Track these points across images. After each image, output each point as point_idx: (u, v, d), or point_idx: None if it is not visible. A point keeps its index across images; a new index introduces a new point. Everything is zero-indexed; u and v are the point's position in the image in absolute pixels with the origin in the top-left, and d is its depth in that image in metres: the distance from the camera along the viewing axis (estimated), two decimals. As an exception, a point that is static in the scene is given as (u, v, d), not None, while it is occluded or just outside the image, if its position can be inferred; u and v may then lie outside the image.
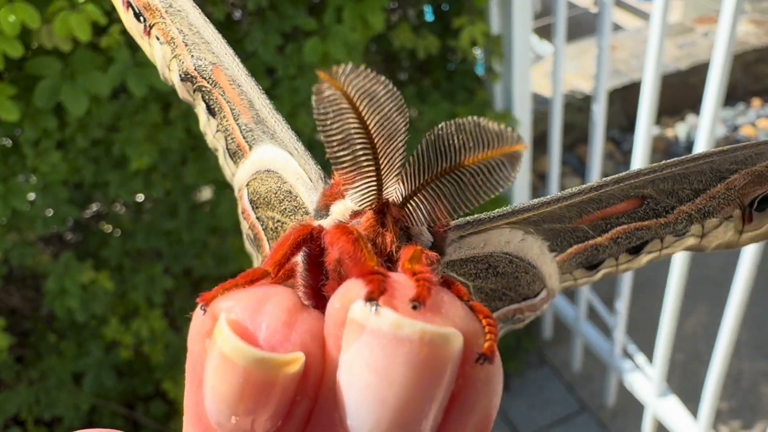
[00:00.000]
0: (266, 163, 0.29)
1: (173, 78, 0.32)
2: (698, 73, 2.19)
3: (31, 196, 0.96)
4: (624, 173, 0.26)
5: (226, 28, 1.02)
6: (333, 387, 0.17)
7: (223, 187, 1.12)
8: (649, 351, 1.31)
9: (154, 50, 0.32)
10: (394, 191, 0.20)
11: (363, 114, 0.17)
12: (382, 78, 0.17)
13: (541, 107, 1.85)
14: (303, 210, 0.27)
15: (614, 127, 2.19)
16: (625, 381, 1.38)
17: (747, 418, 1.48)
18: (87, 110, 0.85)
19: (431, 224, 0.20)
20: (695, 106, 2.17)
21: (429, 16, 1.23)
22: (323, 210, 0.22)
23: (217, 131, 0.32)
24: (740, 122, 2.29)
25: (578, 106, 2.00)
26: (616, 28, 2.71)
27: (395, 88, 0.17)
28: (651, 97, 1.04)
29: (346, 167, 0.19)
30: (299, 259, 0.21)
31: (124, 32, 0.89)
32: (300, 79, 0.99)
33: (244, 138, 0.30)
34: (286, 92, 0.99)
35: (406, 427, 0.16)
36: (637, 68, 2.14)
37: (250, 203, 0.30)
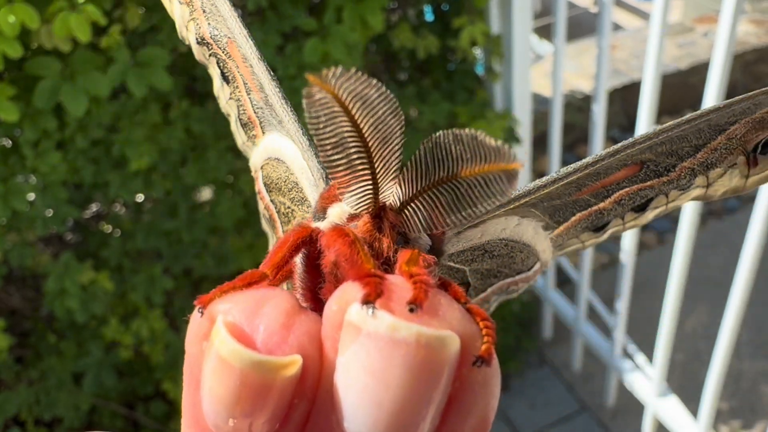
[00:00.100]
0: (276, 151, 0.29)
1: (190, 38, 0.32)
2: (698, 72, 2.18)
3: (31, 196, 0.96)
4: (619, 144, 0.26)
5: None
6: (330, 389, 0.17)
7: (223, 187, 1.12)
8: (649, 351, 1.30)
9: (174, 6, 0.32)
10: (392, 195, 0.19)
11: (356, 117, 0.17)
12: (374, 81, 0.17)
13: (541, 107, 1.85)
14: (308, 203, 0.27)
15: (614, 127, 2.18)
16: (625, 381, 1.38)
17: (747, 418, 1.48)
18: (87, 110, 0.85)
19: (428, 231, 0.20)
20: (695, 105, 2.17)
21: (429, 16, 1.23)
22: (320, 213, 0.21)
23: (230, 99, 0.32)
24: (740, 122, 2.29)
25: (578, 106, 1.99)
26: (616, 27, 2.71)
27: (388, 91, 0.17)
28: (651, 97, 1.04)
29: (340, 171, 0.18)
30: (298, 261, 0.21)
31: (124, 32, 0.89)
32: (300, 79, 0.99)
33: (255, 113, 0.30)
34: (285, 92, 0.98)
35: (403, 429, 0.16)
36: (637, 68, 2.14)
37: (265, 186, 0.30)
